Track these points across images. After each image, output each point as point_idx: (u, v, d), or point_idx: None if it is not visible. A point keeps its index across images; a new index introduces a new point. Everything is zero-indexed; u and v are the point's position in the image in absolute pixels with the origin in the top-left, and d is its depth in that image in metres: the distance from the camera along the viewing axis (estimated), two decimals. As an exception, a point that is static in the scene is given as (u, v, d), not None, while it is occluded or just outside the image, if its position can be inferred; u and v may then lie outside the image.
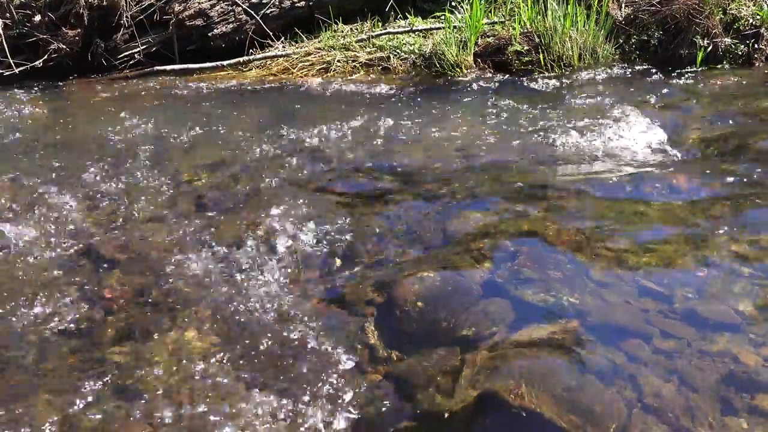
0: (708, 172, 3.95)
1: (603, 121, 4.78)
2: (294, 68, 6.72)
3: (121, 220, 3.59)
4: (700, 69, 5.97)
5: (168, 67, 6.88)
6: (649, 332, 2.41)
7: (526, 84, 6.00)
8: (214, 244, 3.25)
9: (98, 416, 2.21)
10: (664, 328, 2.42)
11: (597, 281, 2.70)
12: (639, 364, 2.25)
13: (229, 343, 2.55)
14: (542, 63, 6.17)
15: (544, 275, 2.75)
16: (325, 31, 7.10)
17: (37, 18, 6.65)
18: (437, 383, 2.28)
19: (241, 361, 2.45)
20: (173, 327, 2.65)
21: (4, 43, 6.46)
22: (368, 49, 6.78)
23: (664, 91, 5.51)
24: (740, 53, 6.07)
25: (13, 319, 2.72)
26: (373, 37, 6.88)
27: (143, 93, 6.28)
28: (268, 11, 7.01)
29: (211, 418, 2.21)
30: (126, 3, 6.75)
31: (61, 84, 6.57)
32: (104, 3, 6.66)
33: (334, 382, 2.34)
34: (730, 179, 3.69)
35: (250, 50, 7.01)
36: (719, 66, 6.05)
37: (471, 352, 2.37)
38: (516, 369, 2.25)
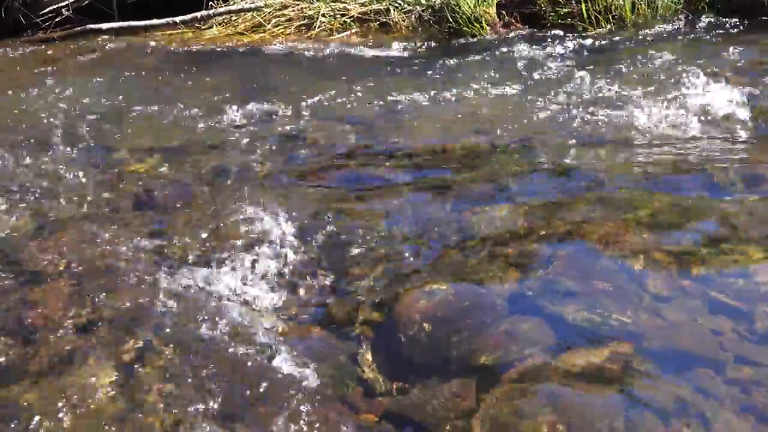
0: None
1: (662, 91, 4.79)
2: (267, 25, 6.74)
3: (46, 221, 3.60)
4: (788, 21, 5.99)
5: (104, 26, 6.91)
6: (722, 359, 2.42)
7: (564, 43, 6.02)
8: (165, 251, 3.27)
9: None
10: (741, 353, 2.44)
11: (655, 294, 2.72)
12: (709, 399, 2.27)
13: (186, 378, 2.56)
14: (585, 16, 6.19)
15: (588, 287, 2.78)
16: (307, -24, 7.13)
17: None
18: (450, 424, 2.29)
19: (200, 402, 2.47)
20: (115, 357, 2.66)
21: None
22: (361, 0, 6.81)
23: (741, 50, 5.52)
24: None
25: None
26: (368, -17, 6.90)
27: (73, 59, 6.31)
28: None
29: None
30: (50, -57, 6.79)
31: (-33, 48, 6.60)
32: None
33: (320, 424, 2.36)
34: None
35: (210, 2, 7.03)
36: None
37: (492, 385, 2.39)
38: (549, 405, 2.26)
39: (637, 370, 2.40)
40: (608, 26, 6.19)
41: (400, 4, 6.77)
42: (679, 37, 5.97)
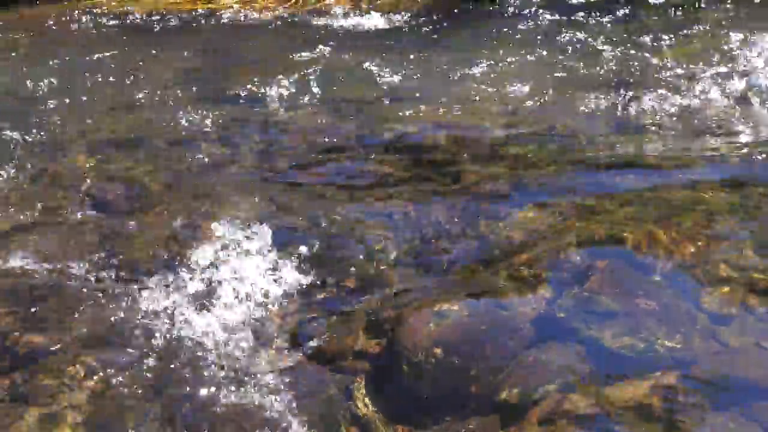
0: None
1: (724, 68, 4.78)
2: (240, -10, 6.75)
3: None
4: None
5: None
6: (795, 392, 2.42)
7: (598, 8, 6.02)
8: (121, 265, 3.26)
9: None
10: (819, 385, 2.44)
11: (712, 314, 2.72)
12: (779, 441, 2.27)
13: (153, 417, 2.56)
14: (623, -25, 6.18)
15: (631, 306, 2.77)
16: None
17: None
18: (466, 475, 2.29)
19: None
20: (61, 392, 2.66)
21: None
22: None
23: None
24: None
25: None
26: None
27: (9, 29, 6.30)
28: None
29: None
30: None
31: None
32: None
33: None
34: None
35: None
36: None
37: (518, 425, 2.38)
38: (586, 450, 2.26)
39: (689, 405, 2.38)
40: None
41: (400, -37, 6.78)
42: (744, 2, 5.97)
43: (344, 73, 5.22)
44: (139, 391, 2.66)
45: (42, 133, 4.52)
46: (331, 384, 2.68)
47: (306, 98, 4.92)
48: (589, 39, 5.52)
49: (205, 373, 2.71)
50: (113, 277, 3.21)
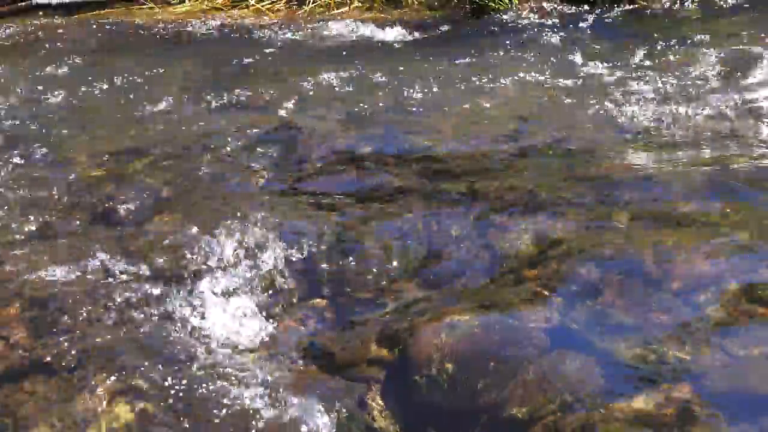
0: None
1: (735, 79, 4.80)
2: None
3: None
4: None
5: (54, 0, 6.96)
6: (807, 404, 2.44)
7: (611, 20, 6.04)
8: (129, 276, 3.29)
9: None
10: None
11: (722, 326, 2.74)
12: (791, 454, 2.29)
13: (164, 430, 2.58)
14: (637, -13, 6.21)
15: (642, 318, 2.80)
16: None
17: None
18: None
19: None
20: (68, 401, 2.69)
21: None
22: (365, -31, 6.83)
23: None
24: None
25: None
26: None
27: (16, 42, 6.33)
28: None
29: None
30: None
31: None
32: None
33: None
34: None
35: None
36: None
37: (530, 438, 2.41)
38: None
39: (698, 417, 2.40)
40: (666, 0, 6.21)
41: (411, -27, 6.81)
42: (759, 14, 5.96)
43: (356, 84, 5.23)
44: (151, 399, 2.67)
45: (57, 145, 4.56)
46: (344, 393, 2.70)
47: (316, 109, 4.95)
48: (604, 50, 5.54)
49: (215, 383, 2.72)
50: (125, 285, 3.23)
